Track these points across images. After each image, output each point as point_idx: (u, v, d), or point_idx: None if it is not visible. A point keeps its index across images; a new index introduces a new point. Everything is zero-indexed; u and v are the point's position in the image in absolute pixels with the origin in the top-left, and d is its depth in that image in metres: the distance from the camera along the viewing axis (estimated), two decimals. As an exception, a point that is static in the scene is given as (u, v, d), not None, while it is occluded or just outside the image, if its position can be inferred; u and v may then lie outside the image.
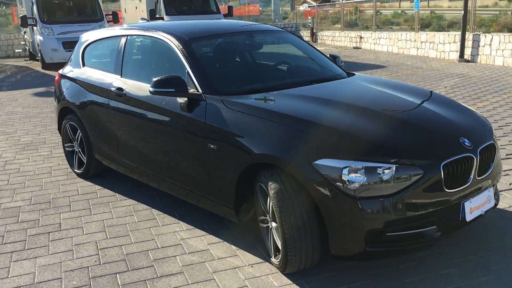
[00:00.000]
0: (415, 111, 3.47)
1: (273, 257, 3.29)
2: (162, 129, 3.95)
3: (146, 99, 4.07)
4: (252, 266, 3.33)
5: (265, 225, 3.37)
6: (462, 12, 13.69)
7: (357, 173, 2.80)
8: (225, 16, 16.95)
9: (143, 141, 4.19)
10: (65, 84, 5.26)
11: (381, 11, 31.81)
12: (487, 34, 13.50)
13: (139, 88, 4.20)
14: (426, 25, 22.68)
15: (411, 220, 2.88)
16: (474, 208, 3.12)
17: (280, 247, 3.10)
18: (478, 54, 13.47)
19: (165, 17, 15.63)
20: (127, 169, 4.56)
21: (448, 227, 3.03)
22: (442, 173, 2.90)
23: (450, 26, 21.58)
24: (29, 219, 4.23)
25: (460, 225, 3.08)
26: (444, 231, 3.00)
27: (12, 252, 3.65)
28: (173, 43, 4.04)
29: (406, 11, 33.76)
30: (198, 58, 3.92)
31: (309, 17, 24.14)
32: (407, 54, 16.32)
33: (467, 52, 13.72)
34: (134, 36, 4.59)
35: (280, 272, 3.23)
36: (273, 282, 3.14)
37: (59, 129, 5.52)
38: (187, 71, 3.81)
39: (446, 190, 2.93)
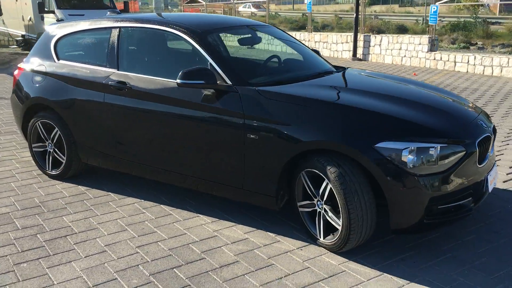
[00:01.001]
0: (434, 98, 3.87)
1: (321, 238, 3.46)
2: (182, 121, 3.89)
3: (160, 92, 3.98)
4: (301, 249, 3.48)
5: (309, 210, 3.53)
6: (354, 14, 14.83)
7: (415, 153, 3.10)
8: (122, 11, 16.39)
9: (155, 135, 4.07)
10: (34, 79, 4.86)
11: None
12: (377, 35, 14.80)
13: (150, 81, 4.08)
14: (301, 27, 23.92)
15: (456, 193, 3.26)
16: (491, 180, 3.61)
17: (339, 227, 3.28)
18: (369, 53, 14.70)
19: (57, 11, 14.73)
20: (126, 166, 4.39)
21: (478, 198, 3.47)
22: (477, 150, 3.33)
23: (323, 28, 23.05)
24: (30, 224, 3.90)
25: (484, 195, 3.54)
26: (476, 201, 3.44)
27: (38, 258, 3.37)
28: (188, 36, 4.01)
29: (282, 13, 35.44)
30: (219, 50, 3.94)
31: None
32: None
33: (359, 52, 14.90)
34: (130, 29, 4.42)
35: (331, 252, 3.41)
36: (330, 261, 3.32)
37: (23, 129, 5.07)
38: (210, 63, 3.82)
39: (478, 165, 3.37)
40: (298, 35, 17.52)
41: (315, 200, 3.45)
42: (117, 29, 4.43)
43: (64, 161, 4.74)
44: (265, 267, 3.25)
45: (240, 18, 5.37)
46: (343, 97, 3.62)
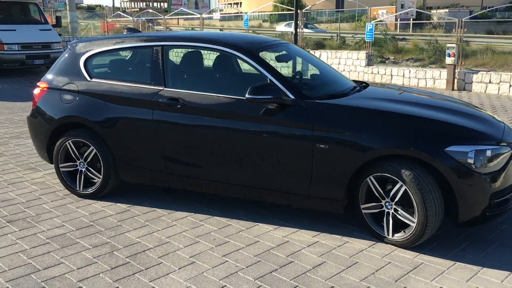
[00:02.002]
0: (466, 108, 4.39)
1: (390, 236, 3.82)
2: (244, 135, 4.09)
3: (218, 107, 4.16)
4: (373, 247, 3.82)
5: (375, 211, 3.88)
6: (293, 31, 15.54)
7: (477, 154, 3.58)
8: (54, 26, 15.86)
9: (214, 149, 4.22)
10: (63, 98, 4.79)
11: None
12: (316, 50, 15.61)
13: (206, 98, 4.23)
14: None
15: (507, 189, 3.78)
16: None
17: (412, 224, 3.66)
18: (309, 68, 15.46)
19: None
20: (177, 181, 4.48)
21: None
22: None
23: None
24: (98, 243, 3.88)
25: None
26: None
27: (134, 274, 3.41)
28: (242, 54, 4.24)
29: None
30: (274, 67, 4.20)
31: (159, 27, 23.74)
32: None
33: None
34: (174, 47, 4.55)
35: (401, 247, 3.78)
36: (405, 256, 3.69)
37: (47, 149, 4.95)
38: (269, 79, 4.08)
39: None
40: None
41: (383, 201, 3.81)
42: (160, 47, 4.53)
43: (100, 179, 4.70)
44: (352, 265, 3.55)
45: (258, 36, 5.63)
46: (402, 108, 4.03)
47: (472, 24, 28.87)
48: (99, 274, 3.42)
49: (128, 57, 4.81)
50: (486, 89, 11.95)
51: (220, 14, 56.94)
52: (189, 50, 4.64)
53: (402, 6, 38.44)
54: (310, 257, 3.66)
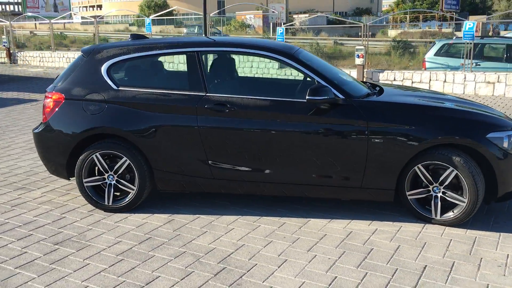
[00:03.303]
0: (475, 103, 5.03)
1: (439, 217, 4.28)
2: (298, 134, 4.28)
3: (270, 109, 4.31)
4: (426, 229, 4.25)
5: (422, 196, 4.31)
6: (203, 35, 15.62)
7: (510, 138, 4.20)
8: None
9: (267, 150, 4.33)
10: (88, 108, 4.53)
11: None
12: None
13: (256, 102, 4.34)
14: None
15: None
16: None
17: (463, 204, 4.14)
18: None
19: None
20: (222, 186, 4.51)
21: None
22: None
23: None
24: (173, 254, 3.81)
25: None
26: None
27: (241, 278, 3.45)
28: (283, 57, 4.42)
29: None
30: (317, 69, 4.44)
31: (3, 36, 21.80)
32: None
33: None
34: (210, 53, 4.56)
35: (450, 226, 4.26)
36: (458, 233, 4.17)
37: (67, 164, 4.64)
38: (317, 81, 4.33)
39: None
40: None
41: (431, 186, 4.26)
42: (195, 53, 4.51)
43: (134, 191, 4.54)
44: (424, 245, 3.93)
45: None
46: (436, 103, 4.52)
47: (329, 30, 31.53)
48: (208, 281, 3.39)
49: (158, 63, 4.69)
50: (393, 85, 13.25)
51: (82, 18, 54.31)
52: (221, 55, 4.68)
53: (274, 11, 40.43)
54: (384, 243, 3.97)
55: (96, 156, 4.52)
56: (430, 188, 4.27)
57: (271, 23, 41.21)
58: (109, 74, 4.60)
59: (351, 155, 4.25)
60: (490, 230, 4.21)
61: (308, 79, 4.43)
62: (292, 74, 5.38)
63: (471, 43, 12.17)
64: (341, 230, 4.22)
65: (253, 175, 4.43)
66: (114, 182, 4.57)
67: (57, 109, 4.61)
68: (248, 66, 14.15)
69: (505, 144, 4.16)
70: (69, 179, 4.90)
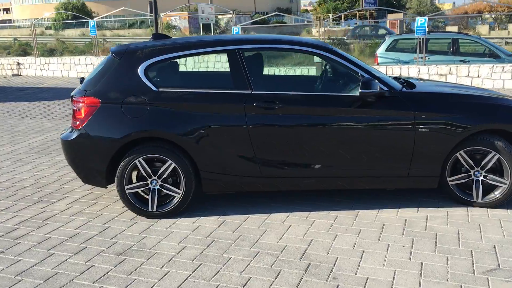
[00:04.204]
0: (484, 89, 5.33)
1: (480, 199, 4.51)
2: (348, 128, 4.35)
3: (317, 104, 4.35)
4: (472, 212, 4.46)
5: (463, 181, 4.53)
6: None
7: None
8: None
9: (317, 145, 4.35)
10: (128, 112, 4.32)
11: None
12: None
13: (303, 97, 4.37)
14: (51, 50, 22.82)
15: None
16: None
17: (504, 185, 4.40)
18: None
19: None
20: (269, 184, 4.48)
21: None
22: None
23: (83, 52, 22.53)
24: (250, 254, 3.75)
25: None
26: None
27: (339, 268, 3.47)
28: (327, 53, 4.47)
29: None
30: (356, 63, 4.54)
31: None
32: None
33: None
34: (252, 50, 4.52)
35: (490, 207, 4.51)
36: (501, 213, 4.41)
37: (107, 170, 4.41)
38: (361, 75, 4.42)
39: None
40: (84, 59, 16.82)
41: (472, 171, 4.49)
42: (236, 51, 4.44)
43: (180, 195, 4.40)
44: (480, 228, 4.13)
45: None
46: (468, 91, 4.75)
47: (254, 28, 32.06)
48: (303, 278, 3.38)
49: (196, 62, 4.56)
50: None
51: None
52: (261, 52, 4.64)
53: (203, 12, 40.36)
54: (443, 228, 4.12)
55: (139, 161, 4.34)
56: (471, 172, 4.49)
57: (200, 24, 41.18)
58: (147, 75, 4.42)
59: (399, 145, 4.38)
60: (523, 209, 4.50)
61: (351, 72, 4.48)
62: (313, 69, 5.43)
63: (422, 38, 12.81)
64: (395, 218, 4.34)
65: (303, 171, 4.44)
66: (158, 187, 4.41)
67: (93, 114, 4.37)
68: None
69: (538, 127, 4.46)
70: (106, 187, 4.65)
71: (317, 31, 35.26)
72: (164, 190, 4.42)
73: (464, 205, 4.57)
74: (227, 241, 3.97)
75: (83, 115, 4.39)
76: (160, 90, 4.39)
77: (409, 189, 4.77)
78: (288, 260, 3.64)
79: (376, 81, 4.31)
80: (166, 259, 3.70)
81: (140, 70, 4.43)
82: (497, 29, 33.98)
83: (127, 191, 4.40)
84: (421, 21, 12.69)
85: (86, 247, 3.93)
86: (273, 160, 4.41)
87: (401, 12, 41.49)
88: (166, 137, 4.32)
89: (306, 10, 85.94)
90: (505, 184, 4.42)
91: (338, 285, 3.28)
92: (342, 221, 4.31)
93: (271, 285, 3.31)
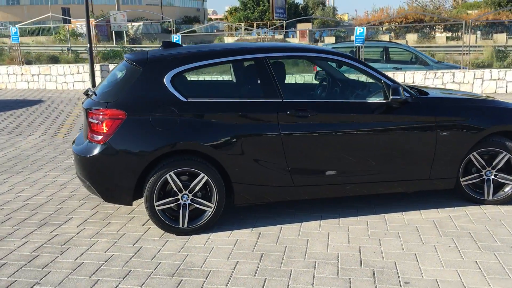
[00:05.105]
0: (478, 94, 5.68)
1: (491, 197, 4.80)
2: (376, 134, 4.44)
3: (348, 111, 4.42)
4: (485, 210, 4.73)
5: (476, 180, 4.80)
6: (88, 45, 14.56)
7: None
8: None
9: (349, 151, 4.39)
10: (159, 124, 4.09)
11: None
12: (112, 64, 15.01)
13: (333, 105, 4.41)
14: None
15: None
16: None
17: (513, 184, 4.73)
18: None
19: None
20: (301, 193, 4.46)
21: None
22: None
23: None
24: (308, 264, 3.70)
25: None
26: None
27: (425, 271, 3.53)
28: (349, 60, 4.55)
29: None
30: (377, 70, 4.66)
31: None
32: (17, 89, 15.51)
33: (98, 81, 14.79)
34: (279, 58, 4.48)
35: (501, 204, 4.81)
36: (508, 209, 4.73)
37: (134, 188, 4.14)
38: (384, 82, 4.54)
39: None
40: (8, 69, 15.62)
41: (484, 171, 4.77)
42: (263, 59, 4.38)
43: (212, 209, 4.24)
44: (502, 224, 4.39)
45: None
46: (474, 97, 5.04)
47: (166, 37, 31.98)
48: (376, 285, 3.39)
49: (224, 71, 4.41)
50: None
51: None
52: (283, 60, 4.60)
53: (115, 19, 39.36)
54: (473, 227, 4.32)
55: (170, 175, 4.12)
56: (483, 172, 4.77)
57: (113, 31, 39.96)
58: (174, 85, 4.22)
59: (422, 149, 4.54)
60: (531, 204, 4.85)
61: (374, 80, 4.59)
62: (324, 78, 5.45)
63: (362, 47, 13.37)
64: (423, 220, 4.49)
65: (335, 178, 4.46)
66: (189, 201, 4.21)
67: (119, 127, 4.08)
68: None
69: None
70: (131, 205, 4.35)
71: (233, 39, 35.80)
72: (195, 205, 4.23)
73: (475, 203, 4.83)
74: (276, 254, 3.88)
75: (106, 129, 4.09)
76: (189, 100, 4.20)
77: (412, 192, 4.96)
78: (350, 268, 3.64)
79: (402, 87, 4.44)
80: (226, 276, 3.54)
81: (167, 80, 4.21)
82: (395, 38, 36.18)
83: (156, 208, 4.15)
84: (359, 31, 13.24)
85: (131, 270, 3.66)
86: (305, 168, 4.39)
87: (309, 23, 43.15)
88: (200, 149, 4.15)
89: (210, 19, 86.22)
90: (515, 182, 4.75)
91: (414, 289, 3.34)
92: (376, 225, 4.38)
93: (350, 294, 3.29)
